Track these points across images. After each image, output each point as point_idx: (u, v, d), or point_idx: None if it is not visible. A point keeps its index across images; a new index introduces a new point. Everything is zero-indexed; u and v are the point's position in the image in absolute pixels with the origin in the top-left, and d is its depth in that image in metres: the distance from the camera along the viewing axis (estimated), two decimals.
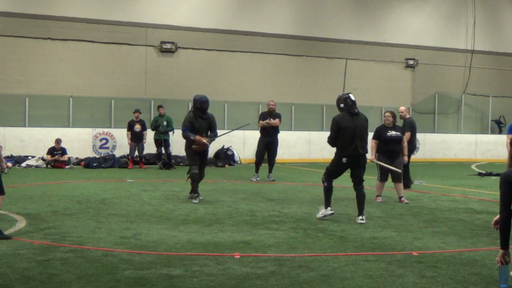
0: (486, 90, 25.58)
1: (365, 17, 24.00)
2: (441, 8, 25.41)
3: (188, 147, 10.40)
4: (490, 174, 16.70)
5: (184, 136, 10.34)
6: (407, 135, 11.21)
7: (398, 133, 10.66)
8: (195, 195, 10.20)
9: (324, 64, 23.31)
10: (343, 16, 23.61)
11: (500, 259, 5.04)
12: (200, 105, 10.37)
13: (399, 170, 10.41)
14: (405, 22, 24.74)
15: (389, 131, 10.64)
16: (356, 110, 8.54)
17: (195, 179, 10.23)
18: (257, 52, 22.15)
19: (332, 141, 8.59)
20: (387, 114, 10.81)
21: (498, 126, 25.80)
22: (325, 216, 8.52)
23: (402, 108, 13.52)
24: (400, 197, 10.62)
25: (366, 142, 8.60)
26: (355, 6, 23.87)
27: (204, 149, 10.40)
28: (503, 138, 23.15)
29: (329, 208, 8.57)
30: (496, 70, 26.06)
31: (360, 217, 8.39)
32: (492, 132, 25.81)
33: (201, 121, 10.37)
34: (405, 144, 10.88)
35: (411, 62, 24.52)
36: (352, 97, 8.62)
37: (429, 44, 24.93)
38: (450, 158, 24.12)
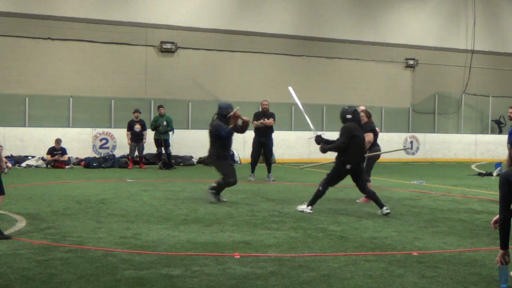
0: (486, 90, 25.61)
1: (365, 17, 24.01)
2: (441, 8, 25.42)
3: (219, 158, 10.21)
4: (490, 174, 16.69)
5: (228, 132, 10.10)
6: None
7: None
8: (219, 196, 10.18)
9: (324, 64, 23.31)
10: (343, 16, 23.61)
11: (500, 259, 5.04)
12: (224, 112, 10.25)
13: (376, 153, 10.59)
14: (405, 22, 24.75)
15: None
16: (362, 123, 9.39)
17: (229, 186, 10.22)
18: (257, 52, 22.16)
19: (343, 147, 8.97)
20: (362, 114, 10.90)
21: (498, 126, 25.82)
22: (303, 211, 8.95)
23: (361, 108, 13.06)
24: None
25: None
26: (355, 6, 23.88)
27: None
28: (503, 138, 23.19)
29: (309, 208, 9.04)
30: (496, 70, 26.07)
31: (385, 207, 8.94)
32: (492, 132, 25.82)
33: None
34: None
35: (411, 62, 24.54)
36: (358, 110, 9.38)
37: (429, 44, 24.94)
38: (450, 158, 24.14)
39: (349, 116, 9.11)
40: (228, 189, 12.14)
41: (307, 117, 10.49)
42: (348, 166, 8.93)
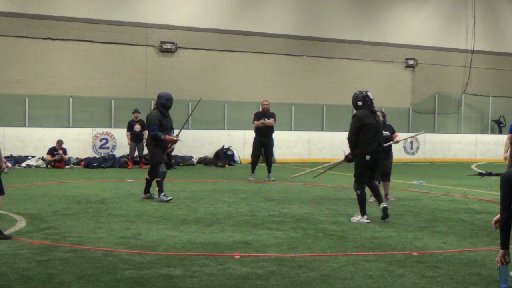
0: (486, 90, 25.61)
1: (365, 17, 24.01)
2: (441, 8, 25.42)
3: (155, 146, 10.24)
4: (490, 174, 16.71)
5: (154, 135, 10.13)
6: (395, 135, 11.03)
7: (386, 132, 10.70)
8: (164, 193, 10.11)
9: (324, 64, 23.31)
10: (343, 16, 23.62)
11: (500, 259, 5.04)
12: (165, 102, 10.30)
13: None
14: (405, 22, 24.76)
15: None
16: (374, 108, 8.62)
17: (164, 178, 10.25)
18: (257, 52, 22.16)
19: (355, 138, 8.39)
20: (378, 113, 10.88)
21: (498, 126, 25.82)
22: (359, 222, 8.30)
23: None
24: (386, 194, 10.72)
25: (383, 139, 8.74)
26: (355, 6, 23.88)
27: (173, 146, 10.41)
28: (503, 138, 23.18)
29: (365, 217, 8.35)
30: (496, 70, 26.08)
31: (382, 203, 8.44)
32: (492, 132, 25.82)
33: (166, 119, 10.32)
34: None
35: (411, 62, 24.54)
36: (370, 95, 8.65)
37: (429, 44, 24.95)
38: (450, 158, 24.14)
39: (360, 103, 8.52)
40: (228, 189, 12.18)
41: (331, 167, 10.49)
42: (367, 157, 8.31)
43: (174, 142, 10.37)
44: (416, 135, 12.20)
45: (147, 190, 10.46)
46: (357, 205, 8.50)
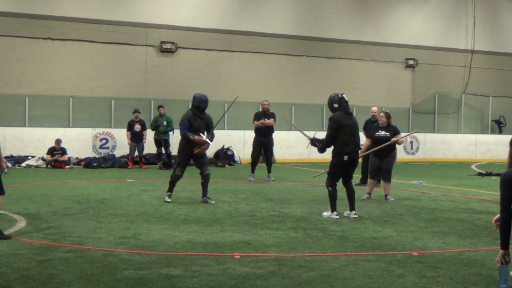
0: (486, 90, 25.60)
1: (365, 17, 24.01)
2: (441, 8, 25.42)
3: (182, 148, 10.05)
4: (490, 174, 16.70)
5: (182, 135, 10.00)
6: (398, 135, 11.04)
7: (387, 133, 10.73)
8: (169, 193, 10.12)
9: (324, 64, 23.31)
10: (343, 16, 23.62)
11: (500, 259, 5.04)
12: (199, 104, 10.05)
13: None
14: (405, 22, 24.76)
15: (380, 131, 10.78)
16: (350, 110, 8.85)
17: (175, 181, 10.13)
18: (257, 52, 22.16)
19: (332, 140, 8.69)
20: (381, 114, 11.03)
21: (498, 126, 25.82)
22: (330, 218, 8.62)
23: (374, 109, 13.55)
24: (385, 195, 10.77)
25: (360, 139, 8.97)
26: (355, 6, 23.88)
27: (205, 149, 10.07)
28: (503, 138, 23.22)
29: (335, 213, 8.69)
30: (496, 70, 26.08)
31: (353, 212, 8.79)
32: (492, 132, 25.82)
33: (199, 120, 10.07)
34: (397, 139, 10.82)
35: (411, 62, 24.55)
36: (345, 97, 8.86)
37: (429, 44, 24.95)
38: (450, 158, 24.14)
39: (336, 105, 8.73)
40: (228, 189, 12.18)
41: (299, 130, 10.50)
42: (345, 157, 8.59)
43: (202, 143, 9.96)
44: (409, 134, 12.31)
45: (204, 193, 10.16)
46: (357, 204, 8.62)
